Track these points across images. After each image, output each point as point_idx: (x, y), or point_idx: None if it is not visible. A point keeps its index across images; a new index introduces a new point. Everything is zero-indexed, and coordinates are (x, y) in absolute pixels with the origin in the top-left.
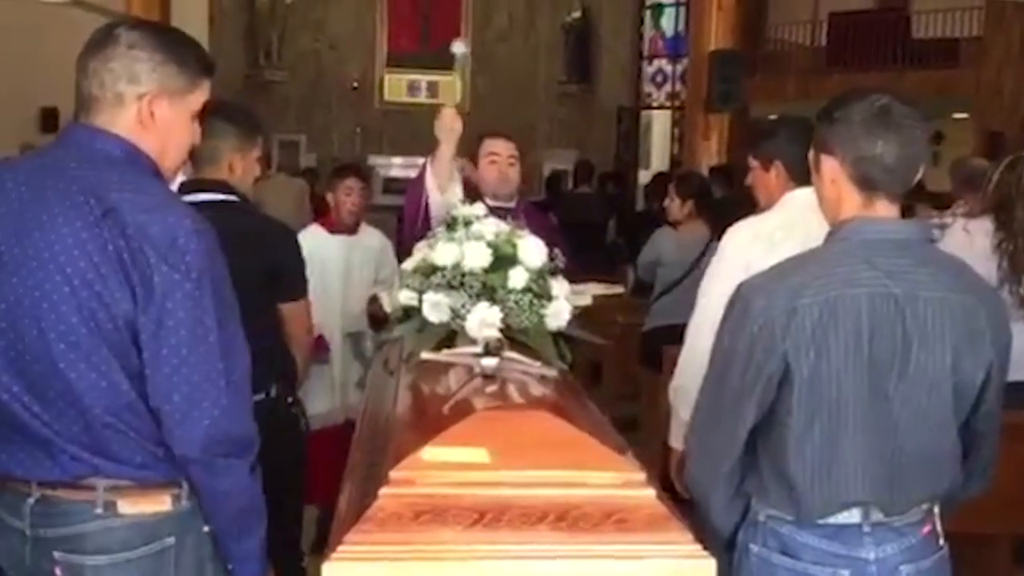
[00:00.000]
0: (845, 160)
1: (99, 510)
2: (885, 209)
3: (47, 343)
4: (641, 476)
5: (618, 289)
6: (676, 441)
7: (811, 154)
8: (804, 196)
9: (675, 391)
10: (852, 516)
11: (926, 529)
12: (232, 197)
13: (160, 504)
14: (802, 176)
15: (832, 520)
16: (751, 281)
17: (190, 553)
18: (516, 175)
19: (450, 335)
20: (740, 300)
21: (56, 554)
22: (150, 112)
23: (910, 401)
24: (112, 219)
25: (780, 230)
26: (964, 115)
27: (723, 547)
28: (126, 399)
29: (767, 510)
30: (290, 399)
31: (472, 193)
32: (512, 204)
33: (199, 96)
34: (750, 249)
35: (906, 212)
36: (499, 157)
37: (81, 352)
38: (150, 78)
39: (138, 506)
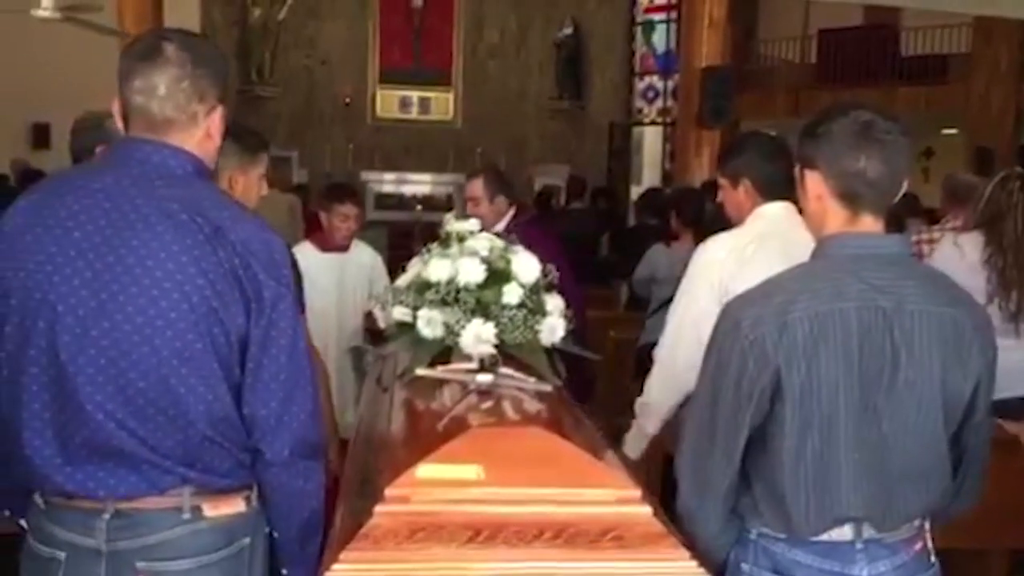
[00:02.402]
0: (829, 175)
1: (187, 515)
2: (870, 224)
3: (160, 359)
4: (637, 493)
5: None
6: (631, 450)
7: (796, 170)
8: (774, 211)
9: (642, 407)
10: (844, 533)
11: (918, 546)
12: None
13: (236, 506)
14: (770, 192)
15: (824, 537)
16: (738, 299)
17: (260, 553)
18: (484, 211)
19: (444, 351)
20: (728, 318)
21: (140, 564)
22: (215, 124)
23: (899, 415)
24: (221, 238)
25: (751, 245)
26: (954, 131)
27: (716, 573)
28: (226, 411)
29: (759, 528)
30: None
31: None
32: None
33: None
34: (722, 266)
35: (897, 227)
36: (469, 200)
37: (193, 367)
38: (213, 93)
39: (219, 509)
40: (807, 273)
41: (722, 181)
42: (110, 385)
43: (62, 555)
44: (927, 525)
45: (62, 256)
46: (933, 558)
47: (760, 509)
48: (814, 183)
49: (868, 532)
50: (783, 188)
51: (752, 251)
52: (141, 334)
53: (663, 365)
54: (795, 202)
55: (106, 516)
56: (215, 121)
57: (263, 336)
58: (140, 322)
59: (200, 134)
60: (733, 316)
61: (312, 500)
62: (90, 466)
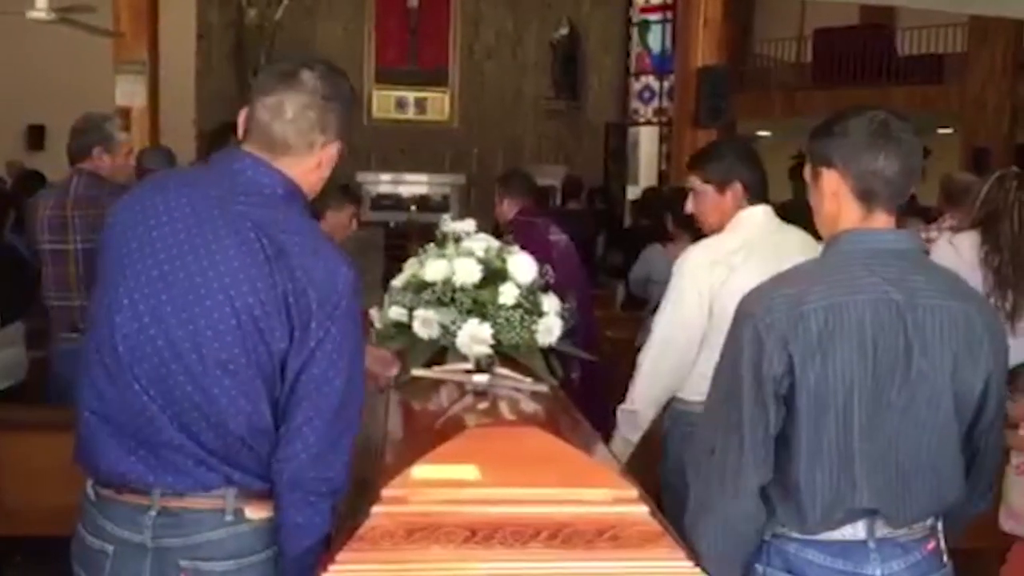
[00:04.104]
0: (847, 173)
1: (229, 517)
2: (884, 221)
3: (206, 367)
4: (633, 492)
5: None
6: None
7: (807, 169)
8: (758, 215)
9: (625, 415)
10: (858, 532)
11: (931, 546)
12: None
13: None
14: (758, 195)
15: (838, 536)
16: (751, 295)
17: None
18: (498, 213)
19: (440, 351)
20: (743, 314)
21: (183, 563)
22: (328, 157)
23: (912, 408)
24: (283, 261)
25: (740, 252)
26: (949, 130)
27: None
28: (265, 424)
29: (772, 527)
30: None
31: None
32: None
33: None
34: (710, 274)
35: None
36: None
37: (236, 380)
38: (335, 128)
39: (261, 512)
40: (820, 266)
41: (704, 187)
42: (161, 383)
43: (110, 548)
44: (940, 525)
45: (140, 252)
46: (946, 558)
47: (773, 505)
48: (831, 181)
49: (881, 531)
50: (765, 191)
51: (742, 258)
52: (192, 340)
53: (648, 373)
54: (772, 205)
55: (152, 513)
56: (328, 153)
57: (301, 364)
58: (191, 329)
59: (311, 163)
60: (747, 313)
61: (303, 536)
62: (142, 451)
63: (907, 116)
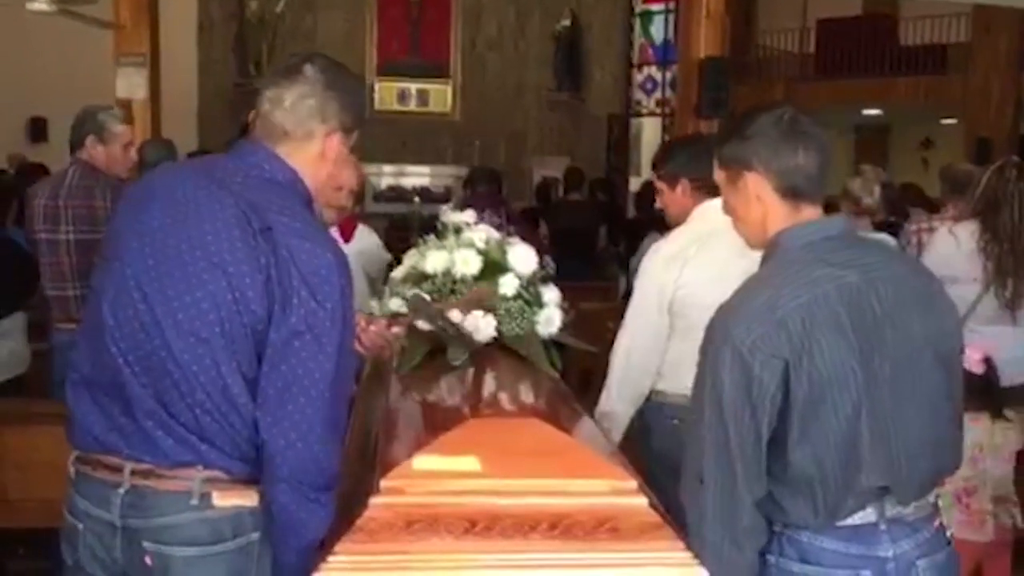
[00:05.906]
0: (769, 172)
1: (194, 501)
2: (812, 214)
3: (179, 333)
4: (633, 484)
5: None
6: None
7: (721, 175)
8: (714, 208)
9: (603, 416)
10: (868, 515)
11: (936, 523)
12: None
13: (248, 499)
14: (711, 187)
15: (849, 522)
16: (720, 315)
17: (270, 550)
18: None
19: (441, 343)
20: (717, 332)
21: (147, 544)
22: (332, 147)
23: (898, 381)
24: (268, 237)
25: (693, 246)
26: (953, 120)
27: None
28: (237, 398)
29: (783, 519)
30: None
31: None
32: None
33: (356, 135)
34: (665, 273)
35: (900, 215)
36: None
37: (209, 348)
38: (337, 118)
39: (229, 499)
40: (777, 270)
41: (660, 185)
42: (138, 349)
43: (80, 526)
44: (940, 503)
45: (136, 222)
46: (949, 533)
47: (783, 507)
48: (754, 184)
49: (891, 511)
50: None
51: (695, 251)
52: (168, 306)
53: (618, 372)
54: None
55: (121, 491)
56: (332, 144)
57: (282, 344)
58: (169, 295)
59: (313, 152)
60: (721, 328)
61: (308, 530)
62: (121, 419)
63: (809, 112)
